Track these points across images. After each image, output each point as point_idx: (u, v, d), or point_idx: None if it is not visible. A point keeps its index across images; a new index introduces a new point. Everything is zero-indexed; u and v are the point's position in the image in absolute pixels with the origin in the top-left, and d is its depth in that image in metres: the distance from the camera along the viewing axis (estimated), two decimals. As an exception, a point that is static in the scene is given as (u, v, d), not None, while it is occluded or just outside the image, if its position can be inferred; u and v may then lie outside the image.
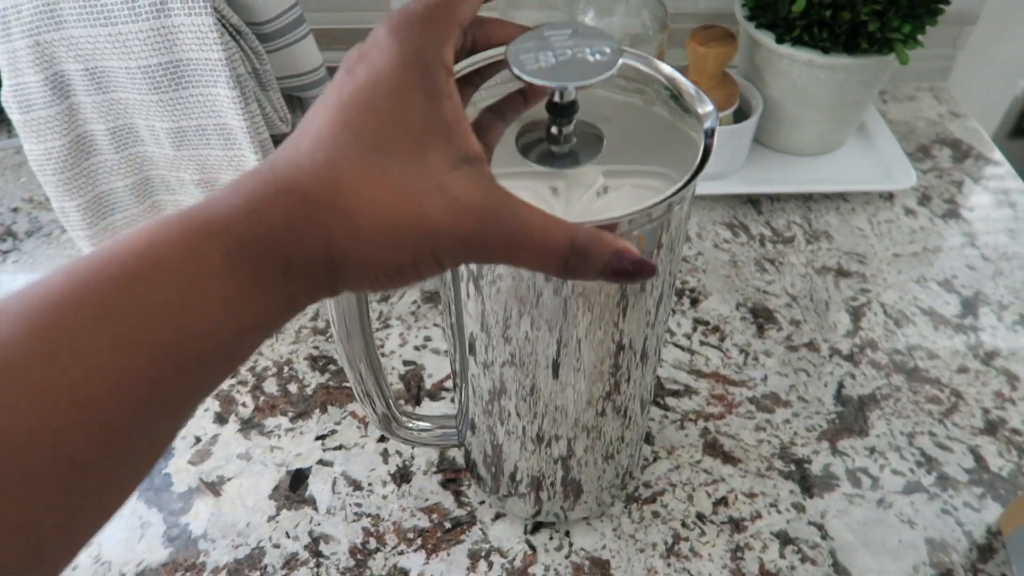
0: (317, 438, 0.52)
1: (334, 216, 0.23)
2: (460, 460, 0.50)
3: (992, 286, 0.61)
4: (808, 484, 0.49)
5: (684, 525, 0.48)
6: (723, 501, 0.49)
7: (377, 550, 0.46)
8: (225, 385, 0.54)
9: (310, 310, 0.59)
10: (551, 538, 0.47)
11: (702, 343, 0.57)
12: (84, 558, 0.46)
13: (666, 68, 0.33)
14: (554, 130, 0.30)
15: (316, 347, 0.56)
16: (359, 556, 0.46)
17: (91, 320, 0.21)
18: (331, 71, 0.65)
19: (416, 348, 0.57)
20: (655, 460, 0.50)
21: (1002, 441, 0.51)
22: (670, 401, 0.54)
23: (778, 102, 0.67)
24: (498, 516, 0.48)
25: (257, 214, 0.23)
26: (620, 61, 0.28)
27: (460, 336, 0.37)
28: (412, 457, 0.51)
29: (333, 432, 0.52)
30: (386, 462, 0.50)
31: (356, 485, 0.49)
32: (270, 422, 0.52)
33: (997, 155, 0.73)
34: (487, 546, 0.46)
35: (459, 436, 0.46)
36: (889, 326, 0.58)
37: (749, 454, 0.51)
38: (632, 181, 0.29)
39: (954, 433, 0.52)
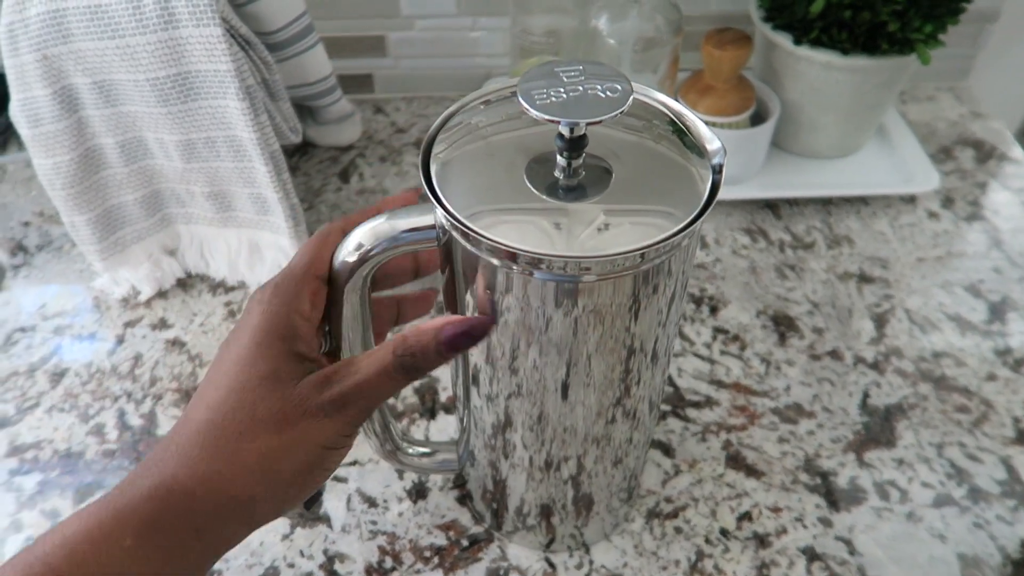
0: (331, 454, 0.51)
1: (229, 495, 0.29)
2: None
3: (1020, 290, 0.60)
4: (834, 498, 0.48)
5: (707, 541, 0.46)
6: (747, 516, 0.47)
7: (393, 569, 0.45)
8: (237, 400, 0.53)
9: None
10: (571, 555, 0.46)
11: (722, 352, 0.56)
12: (96, 579, 0.45)
13: (675, 104, 0.33)
14: (563, 163, 0.30)
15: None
16: (375, 575, 0.45)
17: None
18: (341, 79, 0.65)
19: (430, 360, 0.56)
20: (676, 474, 0.49)
21: (1034, 451, 0.50)
22: (691, 412, 0.52)
23: (796, 105, 0.65)
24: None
25: (159, 499, 0.28)
26: (631, 98, 0.28)
27: (464, 369, 0.37)
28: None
29: (347, 447, 0.51)
30: (401, 478, 0.49)
31: (371, 502, 0.48)
32: (283, 438, 0.51)
33: (1020, 155, 0.72)
34: (505, 564, 0.45)
35: (459, 462, 0.45)
36: (914, 333, 0.57)
37: (773, 467, 0.50)
38: (636, 218, 0.29)
39: (984, 443, 0.51)
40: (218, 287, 0.61)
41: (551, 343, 0.32)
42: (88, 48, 0.48)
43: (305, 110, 0.67)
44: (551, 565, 0.45)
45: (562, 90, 0.28)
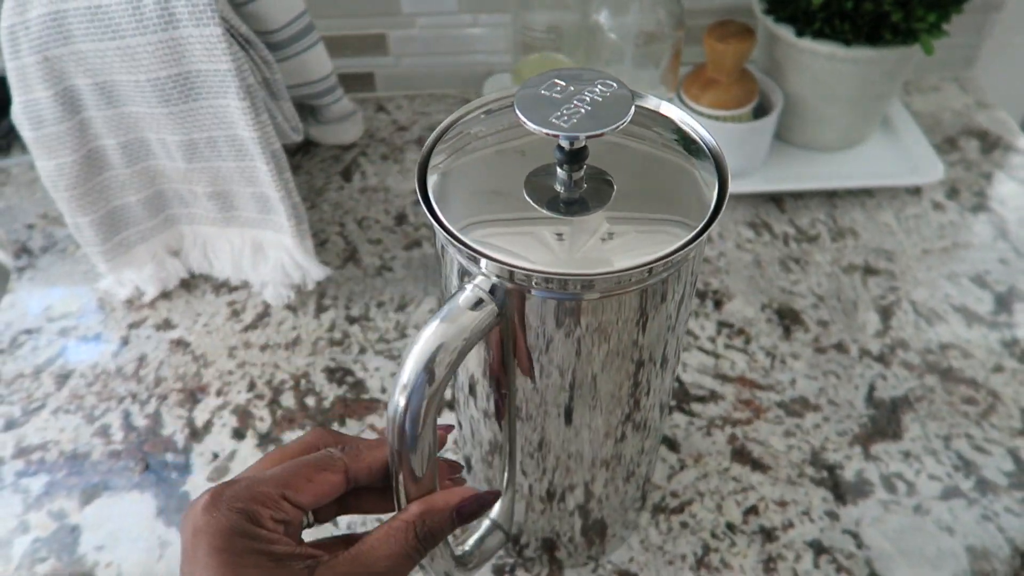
0: (336, 452, 0.51)
1: None
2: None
3: (1026, 281, 0.59)
4: (841, 491, 0.48)
5: (714, 535, 0.46)
6: (753, 510, 0.47)
7: (399, 566, 0.45)
8: (242, 399, 0.53)
9: (325, 321, 0.58)
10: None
11: (727, 346, 0.56)
12: (103, 579, 0.45)
13: (678, 112, 0.32)
14: (563, 176, 0.29)
15: (333, 359, 0.56)
16: (381, 573, 0.45)
17: None
18: (342, 78, 0.65)
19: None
20: (682, 468, 0.49)
21: (1043, 442, 0.50)
22: (696, 407, 0.52)
23: (799, 97, 0.65)
24: (522, 529, 0.47)
25: None
26: (632, 110, 0.27)
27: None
28: (433, 470, 0.50)
29: (352, 445, 0.51)
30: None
31: (376, 500, 0.48)
32: (288, 436, 0.52)
33: (1027, 145, 0.71)
34: (511, 561, 0.45)
35: (506, 531, 0.42)
36: (920, 325, 0.57)
37: (779, 461, 0.49)
38: (642, 227, 0.28)
39: (992, 435, 0.50)
40: (221, 287, 0.61)
41: (552, 360, 0.30)
42: (89, 49, 0.48)
43: (307, 109, 0.67)
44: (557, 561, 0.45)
45: (561, 101, 0.27)
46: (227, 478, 0.50)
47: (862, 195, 0.67)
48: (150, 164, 0.55)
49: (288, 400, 0.53)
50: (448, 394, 0.53)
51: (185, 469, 0.50)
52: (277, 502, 0.27)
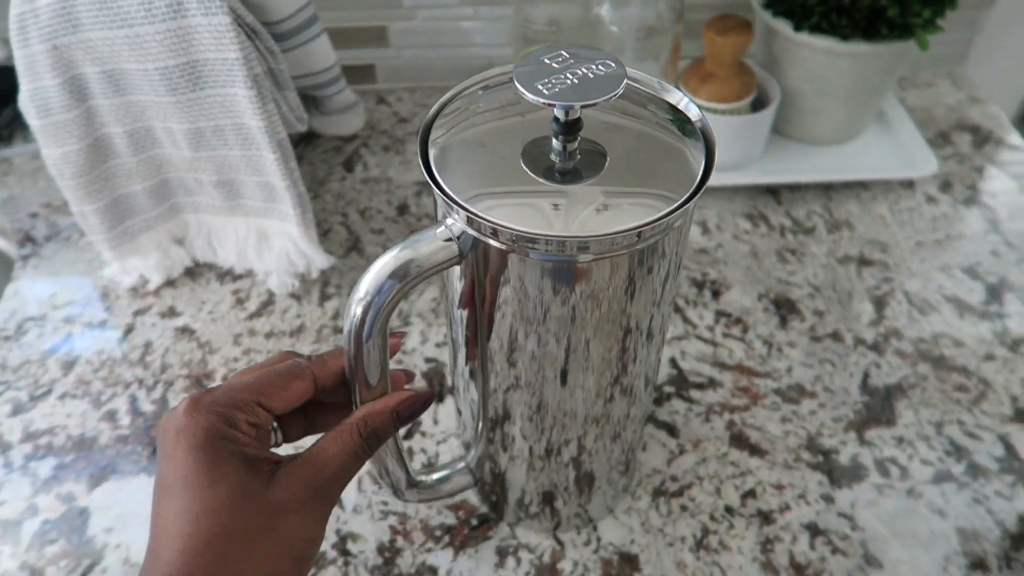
0: (341, 437, 0.51)
1: None
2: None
3: (1017, 272, 0.61)
4: (836, 475, 0.49)
5: (712, 518, 0.47)
6: (751, 493, 0.48)
7: (404, 548, 0.46)
8: (247, 386, 0.54)
9: (329, 309, 0.59)
10: (579, 533, 0.47)
11: (725, 335, 0.57)
12: (113, 560, 0.46)
13: (668, 87, 0.34)
14: (559, 147, 0.30)
15: (338, 346, 0.56)
16: (387, 554, 0.46)
17: None
18: (344, 70, 0.65)
19: (437, 345, 0.56)
20: (681, 453, 0.50)
21: (1032, 429, 0.51)
22: (694, 394, 0.53)
23: (796, 91, 0.66)
24: (525, 512, 0.48)
25: None
26: (625, 81, 0.29)
27: (475, 366, 0.37)
28: (437, 455, 0.50)
29: (357, 431, 0.52)
30: (411, 460, 0.50)
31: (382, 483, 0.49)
32: (293, 422, 0.52)
33: (1017, 140, 0.72)
34: (515, 542, 0.46)
35: (473, 476, 0.45)
36: (913, 315, 0.58)
37: (776, 446, 0.50)
38: (632, 199, 0.30)
39: (983, 421, 0.51)
40: (226, 275, 0.61)
41: (551, 320, 0.32)
42: (97, 38, 0.48)
43: (309, 100, 0.68)
44: (559, 542, 0.46)
45: (557, 75, 0.29)
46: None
47: (857, 188, 0.68)
48: (156, 152, 0.56)
49: (293, 386, 0.54)
50: (448, 381, 0.54)
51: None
52: (252, 407, 0.31)
